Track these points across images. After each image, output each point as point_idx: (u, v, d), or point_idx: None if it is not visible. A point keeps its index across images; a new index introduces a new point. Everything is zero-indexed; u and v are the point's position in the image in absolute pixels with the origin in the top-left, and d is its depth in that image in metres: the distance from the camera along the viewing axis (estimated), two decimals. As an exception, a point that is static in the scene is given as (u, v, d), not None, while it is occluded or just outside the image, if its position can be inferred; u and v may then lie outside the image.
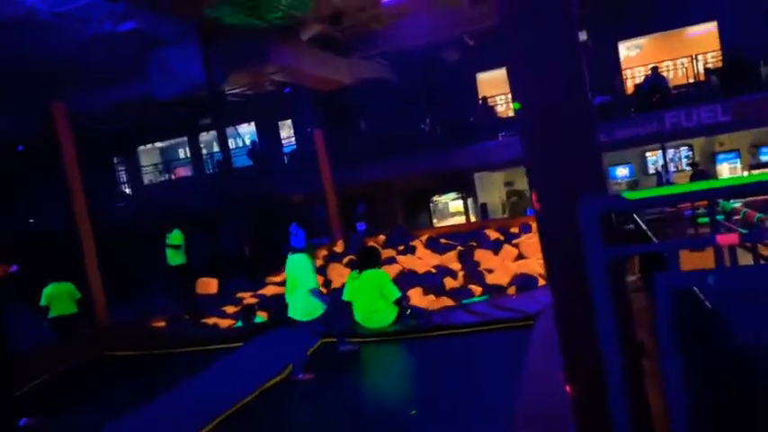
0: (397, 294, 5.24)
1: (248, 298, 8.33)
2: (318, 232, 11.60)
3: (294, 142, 17.95)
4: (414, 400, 3.60)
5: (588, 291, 1.83)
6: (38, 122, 7.68)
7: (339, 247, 11.10)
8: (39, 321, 7.72)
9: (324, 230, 11.86)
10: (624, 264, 2.17)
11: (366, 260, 5.50)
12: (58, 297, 7.80)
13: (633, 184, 15.13)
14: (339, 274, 9.14)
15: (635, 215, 6.90)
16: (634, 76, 14.58)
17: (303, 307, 4.77)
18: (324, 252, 10.82)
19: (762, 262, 4.29)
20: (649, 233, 6.64)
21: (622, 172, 15.51)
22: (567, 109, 2.06)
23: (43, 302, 7.81)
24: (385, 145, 14.75)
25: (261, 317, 7.05)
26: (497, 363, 3.93)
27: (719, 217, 5.16)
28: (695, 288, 2.90)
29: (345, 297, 5.43)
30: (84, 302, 6.51)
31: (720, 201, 4.57)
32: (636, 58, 15.38)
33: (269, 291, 8.84)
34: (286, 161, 17.01)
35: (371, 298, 5.28)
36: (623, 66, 15.11)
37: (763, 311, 2.98)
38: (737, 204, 5.25)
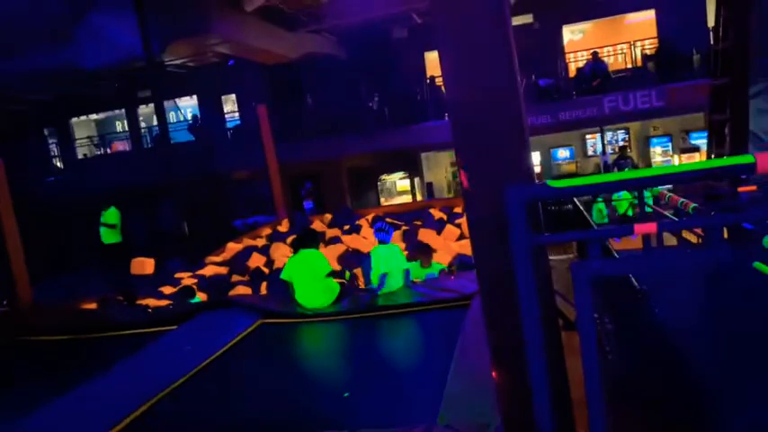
0: (327, 269, 5.26)
1: (186, 279, 8.12)
2: (262, 210, 11.41)
3: (238, 117, 17.46)
4: (348, 382, 3.60)
5: (512, 276, 1.85)
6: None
7: (284, 226, 10.96)
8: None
9: (268, 209, 11.65)
10: (545, 248, 2.21)
11: (304, 240, 5.46)
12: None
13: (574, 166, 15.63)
14: (283, 253, 9.04)
15: (576, 200, 7.13)
16: (577, 59, 14.94)
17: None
18: (268, 231, 10.65)
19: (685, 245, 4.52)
20: (586, 213, 6.88)
21: (563, 154, 15.98)
22: (496, 93, 2.05)
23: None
24: (332, 122, 14.57)
25: (199, 298, 6.89)
26: (434, 343, 4.00)
27: (648, 200, 5.39)
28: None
29: (284, 276, 5.38)
30: (4, 281, 6.13)
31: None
32: (579, 42, 15.74)
33: (209, 271, 8.65)
34: (229, 137, 16.54)
35: (309, 277, 5.22)
36: (567, 49, 15.44)
37: (677, 290, 3.15)
38: (663, 189, 5.50)
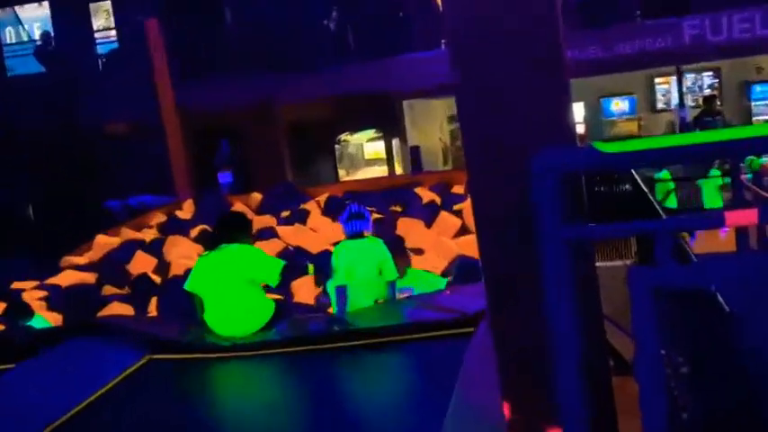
0: (275, 281, 5.24)
1: (30, 290, 8.01)
2: (152, 186, 11.31)
3: (115, 38, 17.18)
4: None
5: (538, 289, 1.89)
6: None
7: (186, 211, 10.89)
8: None
9: (161, 183, 11.58)
10: (591, 246, 2.26)
11: (226, 231, 5.43)
12: None
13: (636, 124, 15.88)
14: (184, 253, 9.00)
15: (634, 173, 7.24)
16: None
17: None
18: (160, 217, 10.56)
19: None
20: (651, 197, 7.01)
21: (620, 106, 16.23)
22: (519, 7, 2.08)
23: None
24: (264, 51, 14.47)
25: (46, 321, 6.79)
26: (421, 389, 4.03)
27: (749, 175, 5.52)
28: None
29: (189, 286, 5.36)
30: None
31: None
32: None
33: (66, 278, 8.54)
34: (101, 67, 16.27)
35: (232, 288, 5.24)
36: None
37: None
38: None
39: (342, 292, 5.55)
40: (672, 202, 10.83)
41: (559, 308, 1.87)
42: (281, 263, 5.32)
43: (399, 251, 6.28)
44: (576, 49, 13.04)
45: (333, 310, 5.86)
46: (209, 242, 5.50)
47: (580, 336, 1.90)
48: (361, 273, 5.56)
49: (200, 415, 4.34)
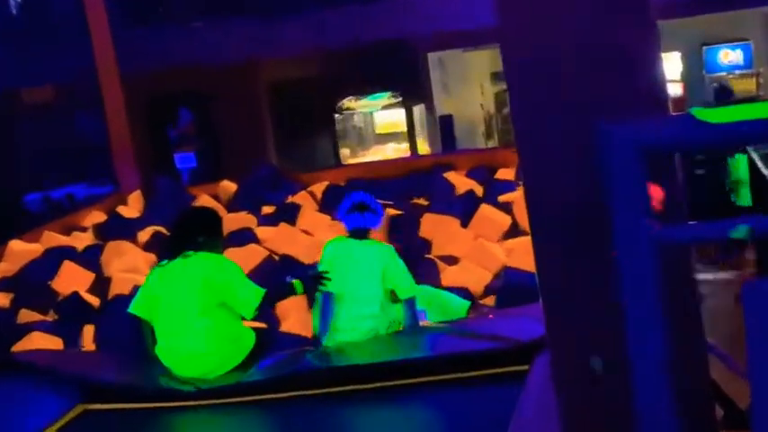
0: (250, 313, 5.35)
1: None
2: (85, 173, 11.36)
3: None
4: None
5: (617, 309, 1.89)
6: None
7: (132, 207, 10.94)
8: None
9: (97, 169, 11.64)
10: (690, 251, 2.27)
11: (189, 234, 5.53)
12: None
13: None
14: (130, 264, 9.04)
15: (751, 152, 7.21)
16: None
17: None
18: (95, 217, 10.62)
19: None
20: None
21: (730, 57, 16.14)
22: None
23: None
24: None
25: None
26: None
27: None
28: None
29: (136, 309, 5.49)
30: None
31: None
32: None
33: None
34: (14, 12, 16.38)
35: (194, 313, 5.32)
36: None
37: None
38: None
39: (327, 309, 5.61)
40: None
41: (646, 337, 1.87)
42: (261, 292, 5.35)
43: (423, 261, 6.31)
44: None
45: (314, 328, 5.91)
46: (164, 249, 5.57)
47: (675, 375, 1.90)
48: (355, 283, 5.59)
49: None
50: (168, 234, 5.71)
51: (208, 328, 5.28)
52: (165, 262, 5.53)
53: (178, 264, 5.38)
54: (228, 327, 5.35)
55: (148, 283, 5.51)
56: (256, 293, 5.32)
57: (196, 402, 5.05)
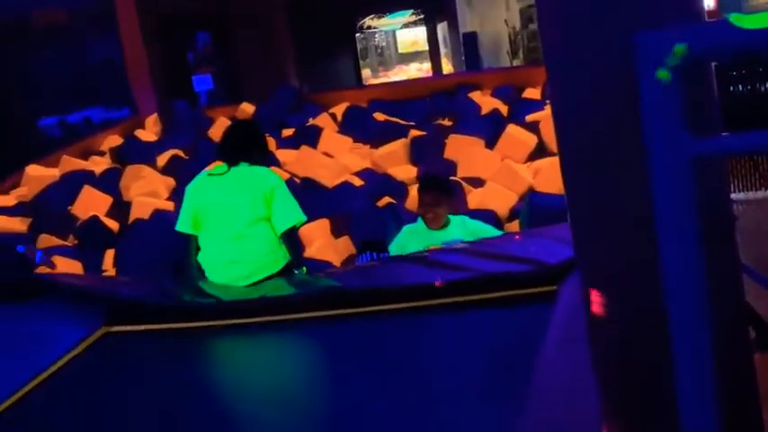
0: (293, 221, 5.59)
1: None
2: (101, 97, 11.36)
3: None
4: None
5: (650, 228, 1.87)
6: None
7: (149, 131, 10.98)
8: None
9: (114, 92, 11.66)
10: (725, 167, 2.24)
11: (240, 146, 5.74)
12: None
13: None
14: (149, 188, 9.11)
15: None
16: None
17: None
18: (112, 140, 10.67)
19: None
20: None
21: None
22: None
23: None
24: None
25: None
26: (481, 372, 4.08)
27: None
28: None
29: (182, 227, 5.72)
30: None
31: None
32: None
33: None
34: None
35: (243, 221, 5.57)
36: None
37: None
38: None
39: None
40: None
41: (679, 257, 1.85)
42: (301, 218, 5.66)
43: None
44: None
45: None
46: (221, 155, 5.80)
47: (710, 297, 1.88)
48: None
49: (176, 406, 4.43)
50: (220, 144, 5.85)
51: (252, 237, 5.53)
52: (215, 170, 5.74)
53: (232, 173, 5.59)
54: (269, 239, 5.56)
55: (196, 189, 5.69)
56: (296, 216, 5.60)
57: (219, 322, 5.09)
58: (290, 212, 5.57)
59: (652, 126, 1.81)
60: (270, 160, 6.13)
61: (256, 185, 5.53)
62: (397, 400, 4.01)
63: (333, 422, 3.91)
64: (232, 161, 5.62)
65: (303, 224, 5.88)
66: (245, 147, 5.70)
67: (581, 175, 2.22)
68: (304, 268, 5.71)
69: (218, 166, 5.83)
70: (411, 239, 6.04)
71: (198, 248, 5.68)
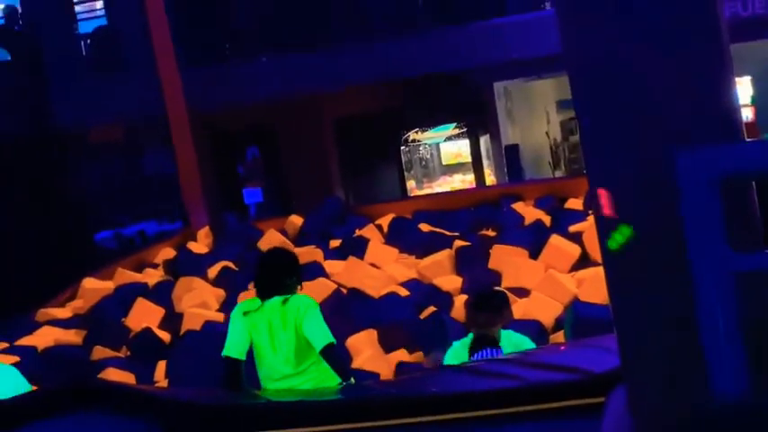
0: (328, 340, 5.59)
1: (-2, 355, 8.22)
2: (155, 210, 11.46)
3: (102, 12, 17.58)
4: None
5: (696, 343, 1.86)
6: None
7: (201, 243, 11.04)
8: None
9: (167, 206, 11.77)
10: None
11: (274, 278, 5.80)
12: None
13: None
14: (201, 299, 9.12)
15: None
16: None
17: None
18: (165, 253, 10.74)
19: None
20: None
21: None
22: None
23: None
24: (300, 21, 14.63)
25: (17, 373, 6.98)
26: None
27: None
28: None
29: (230, 351, 5.75)
30: None
31: None
32: None
33: (44, 337, 8.76)
34: (84, 51, 16.67)
35: (286, 349, 5.65)
36: None
37: None
38: None
39: None
40: None
41: (727, 372, 1.84)
42: (330, 339, 5.63)
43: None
44: (737, 3, 12.84)
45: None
46: (259, 290, 5.85)
47: (762, 413, 1.86)
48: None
49: None
50: (256, 277, 5.94)
51: (295, 363, 5.61)
52: (254, 305, 5.78)
53: (272, 307, 5.66)
54: (312, 362, 5.64)
55: (240, 326, 5.75)
56: (325, 337, 5.59)
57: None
58: (324, 331, 5.64)
59: (694, 242, 1.81)
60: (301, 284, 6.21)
61: (301, 317, 5.64)
62: None
63: None
64: (267, 293, 5.74)
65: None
66: (279, 275, 5.83)
67: (626, 288, 2.21)
68: (352, 379, 5.68)
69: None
70: (462, 355, 5.95)
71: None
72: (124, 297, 9.41)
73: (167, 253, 10.84)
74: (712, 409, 1.89)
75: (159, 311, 9.06)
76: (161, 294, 9.41)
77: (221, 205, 12.58)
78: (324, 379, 5.65)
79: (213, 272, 9.89)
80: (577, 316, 7.15)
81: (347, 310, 8.34)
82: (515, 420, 4.69)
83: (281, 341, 5.62)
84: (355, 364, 7.13)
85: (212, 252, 10.73)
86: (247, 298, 6.41)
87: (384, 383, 5.78)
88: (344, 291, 8.76)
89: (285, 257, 6.23)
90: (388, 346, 7.65)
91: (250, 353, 5.72)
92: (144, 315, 8.99)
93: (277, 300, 5.67)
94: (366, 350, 7.50)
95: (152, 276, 10.15)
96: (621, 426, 3.79)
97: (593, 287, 7.64)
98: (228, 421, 5.12)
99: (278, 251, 6.78)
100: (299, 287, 5.93)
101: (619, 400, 4.14)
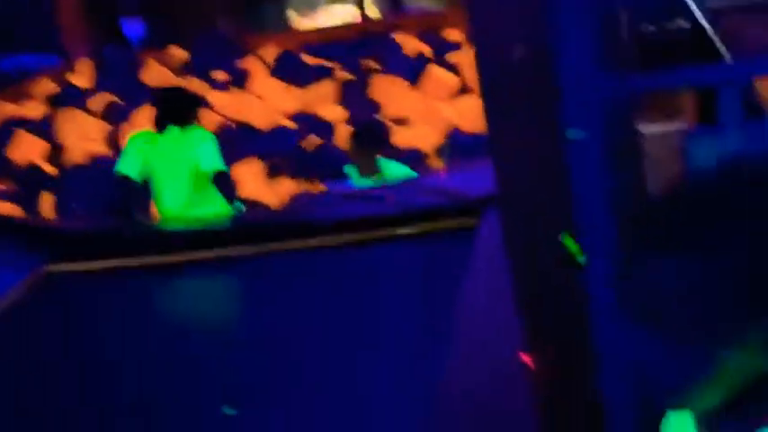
0: (220, 167, 5.87)
1: None
2: (32, 42, 11.10)
3: None
4: (233, 385, 3.72)
5: (565, 167, 1.91)
6: None
7: (82, 76, 10.77)
8: None
9: (44, 37, 11.40)
10: (635, 104, 2.28)
11: (173, 109, 6.00)
12: None
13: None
14: (85, 132, 8.99)
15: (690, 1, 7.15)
16: None
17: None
18: (45, 86, 10.46)
19: None
20: (716, 39, 6.98)
21: None
22: None
23: None
24: None
25: None
26: (404, 304, 4.12)
27: None
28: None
29: (126, 170, 5.93)
30: None
31: None
32: None
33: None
34: None
35: (186, 179, 5.84)
36: None
37: None
38: None
39: None
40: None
41: (591, 189, 1.91)
42: (224, 169, 5.93)
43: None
44: None
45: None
46: (158, 119, 6.03)
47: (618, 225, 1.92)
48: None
49: (125, 321, 4.45)
50: (155, 110, 6.13)
51: (195, 189, 5.81)
52: (153, 136, 5.98)
53: (170, 138, 5.86)
54: (204, 192, 5.83)
55: (138, 149, 5.94)
56: (218, 165, 5.85)
57: (158, 260, 5.07)
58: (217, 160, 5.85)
59: (564, 66, 1.84)
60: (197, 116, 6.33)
61: (198, 147, 5.82)
62: (319, 333, 4.06)
63: (269, 355, 3.93)
64: (164, 125, 5.92)
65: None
66: (176, 107, 6.02)
67: (503, 116, 2.23)
68: (240, 206, 5.92)
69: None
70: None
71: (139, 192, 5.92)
72: (5, 130, 9.17)
73: (48, 86, 10.52)
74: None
75: (42, 145, 8.89)
76: (43, 128, 9.21)
77: (100, 37, 12.15)
78: (217, 208, 5.83)
79: (95, 104, 9.69)
80: (455, 144, 7.27)
81: (234, 142, 8.32)
82: (392, 242, 4.80)
83: (178, 171, 5.82)
84: (243, 194, 7.19)
85: (94, 85, 10.48)
86: (134, 130, 6.48)
87: (270, 211, 5.83)
88: (231, 123, 8.72)
89: (184, 91, 6.56)
90: (272, 174, 7.71)
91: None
92: (26, 148, 8.81)
93: (175, 131, 5.86)
94: (251, 178, 7.53)
95: (33, 109, 9.88)
96: (492, 247, 3.90)
97: (470, 116, 7.75)
98: (121, 248, 5.14)
99: (177, 87, 6.92)
100: (195, 121, 6.06)
101: (491, 224, 4.25)
